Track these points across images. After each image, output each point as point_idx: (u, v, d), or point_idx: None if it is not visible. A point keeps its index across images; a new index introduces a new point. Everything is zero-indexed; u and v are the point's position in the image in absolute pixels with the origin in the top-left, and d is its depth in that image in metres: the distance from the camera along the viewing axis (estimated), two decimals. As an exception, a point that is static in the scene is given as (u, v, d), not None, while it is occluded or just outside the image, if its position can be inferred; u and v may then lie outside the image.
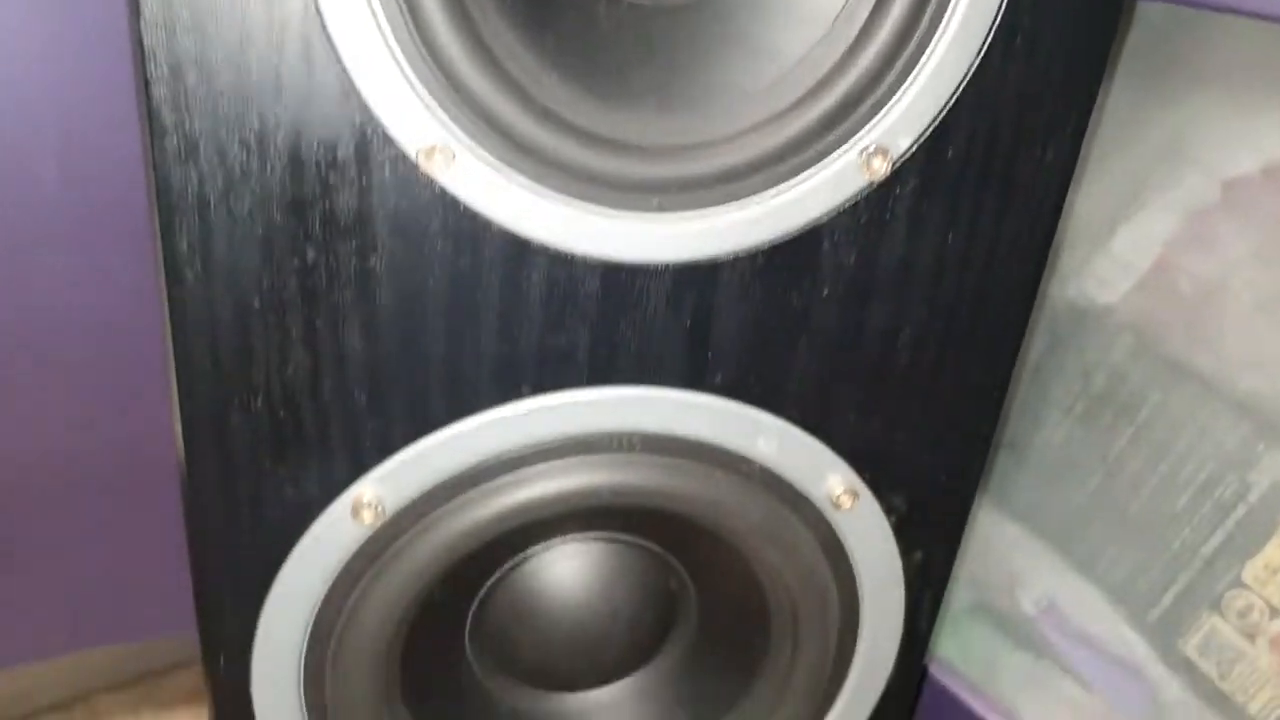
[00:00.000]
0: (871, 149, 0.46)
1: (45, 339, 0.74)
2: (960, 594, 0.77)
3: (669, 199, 0.45)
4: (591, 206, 0.44)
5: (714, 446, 0.52)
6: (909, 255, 0.49)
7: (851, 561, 0.56)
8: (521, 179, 0.43)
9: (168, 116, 0.39)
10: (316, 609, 0.50)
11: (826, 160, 0.46)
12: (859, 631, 0.59)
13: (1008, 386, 0.56)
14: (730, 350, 0.50)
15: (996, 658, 0.75)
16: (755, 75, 0.44)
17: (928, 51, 0.45)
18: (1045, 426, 0.73)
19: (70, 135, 0.68)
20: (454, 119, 0.42)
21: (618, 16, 0.43)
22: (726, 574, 0.57)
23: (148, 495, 0.79)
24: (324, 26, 0.39)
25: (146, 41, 0.38)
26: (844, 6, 0.44)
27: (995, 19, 0.46)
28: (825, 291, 0.49)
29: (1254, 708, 0.64)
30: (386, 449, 0.48)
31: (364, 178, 0.42)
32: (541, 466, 0.50)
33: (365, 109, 0.41)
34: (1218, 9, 0.61)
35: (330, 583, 0.50)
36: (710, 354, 0.50)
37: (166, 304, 0.43)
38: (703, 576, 0.59)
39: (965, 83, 0.46)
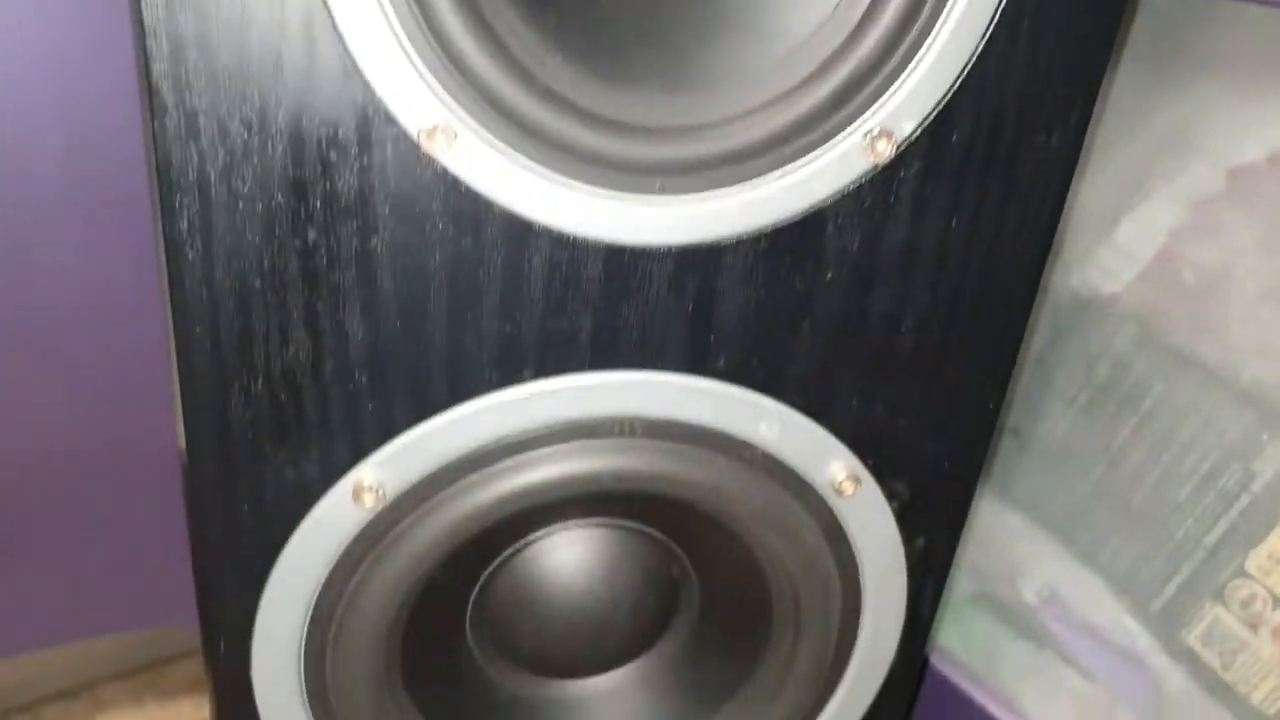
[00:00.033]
0: (876, 132, 0.46)
1: (47, 336, 0.74)
2: (962, 583, 0.77)
3: (672, 181, 0.45)
4: (594, 188, 0.44)
5: (716, 432, 0.52)
6: (913, 239, 0.49)
7: (854, 548, 0.56)
8: (523, 160, 0.43)
9: (168, 94, 0.39)
10: (317, 593, 0.50)
11: (831, 143, 0.46)
12: (861, 618, 0.58)
13: (1011, 373, 0.55)
14: (733, 334, 0.50)
15: (998, 647, 0.75)
16: (760, 56, 0.44)
17: (933, 34, 0.45)
18: (1048, 416, 0.73)
19: (72, 135, 0.68)
20: (456, 98, 0.41)
21: (621, -5, 0.43)
22: (728, 560, 0.57)
23: (151, 485, 0.80)
24: (326, 4, 0.39)
25: (147, 19, 0.38)
26: (849, -12, 0.44)
27: (1001, 2, 0.45)
28: (828, 275, 0.49)
29: (1257, 698, 0.63)
30: (388, 432, 0.48)
31: (365, 157, 0.42)
32: (543, 451, 0.50)
33: (367, 88, 0.41)
34: (1224, -5, 0.61)
35: (331, 567, 0.50)
36: (713, 338, 0.49)
37: (166, 284, 0.43)
38: (704, 563, 0.59)
39: (970, 66, 0.46)
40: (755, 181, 0.46)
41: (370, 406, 0.47)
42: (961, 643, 0.77)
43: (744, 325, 0.50)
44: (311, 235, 0.43)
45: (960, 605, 0.77)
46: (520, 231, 0.45)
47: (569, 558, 0.57)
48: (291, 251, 0.43)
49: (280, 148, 0.41)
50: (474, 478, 0.49)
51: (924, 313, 0.51)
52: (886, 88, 0.45)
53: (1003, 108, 0.47)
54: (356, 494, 0.48)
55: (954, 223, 0.49)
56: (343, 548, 0.49)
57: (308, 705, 0.53)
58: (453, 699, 0.58)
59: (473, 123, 0.42)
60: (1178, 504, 0.66)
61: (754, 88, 0.44)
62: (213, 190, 0.41)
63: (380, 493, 0.48)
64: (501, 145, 0.43)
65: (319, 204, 0.42)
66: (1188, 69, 0.66)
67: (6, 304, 0.72)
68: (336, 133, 0.41)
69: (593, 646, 0.59)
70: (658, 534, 0.57)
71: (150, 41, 0.38)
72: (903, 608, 0.60)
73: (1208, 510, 0.64)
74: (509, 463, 0.49)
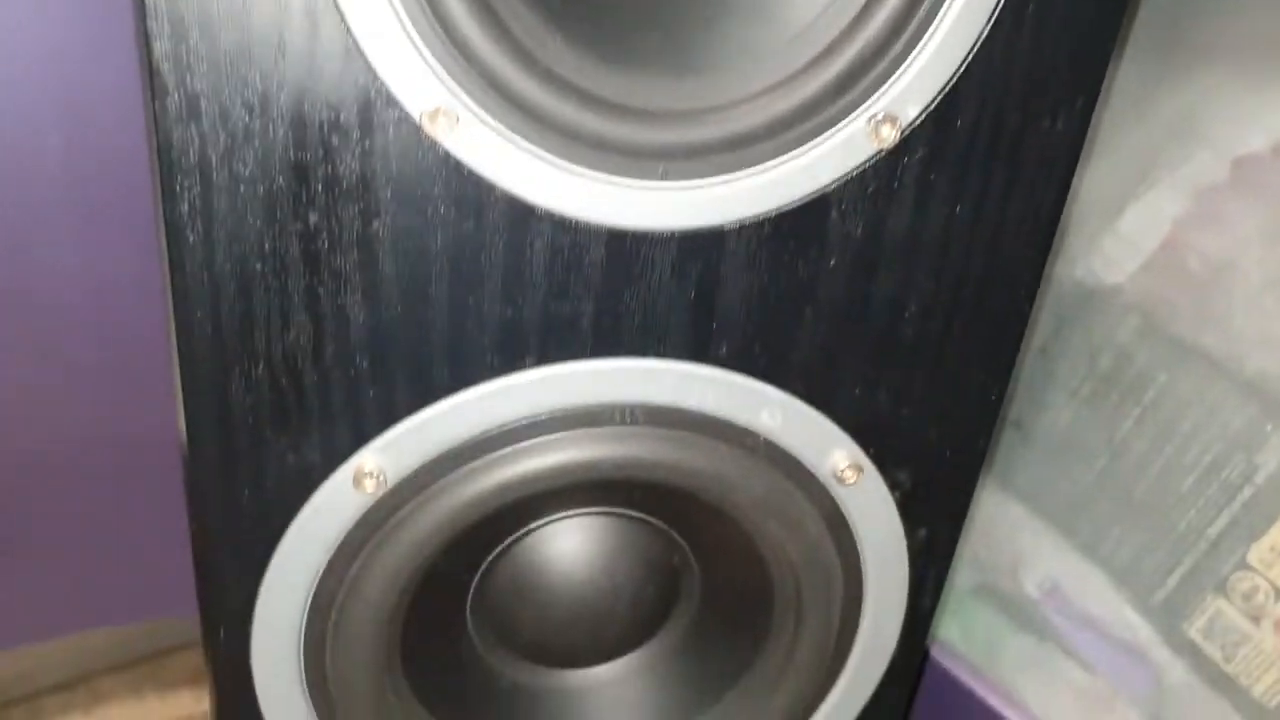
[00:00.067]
0: (880, 116, 0.45)
1: (47, 335, 0.74)
2: (963, 576, 0.77)
3: (675, 165, 0.44)
4: (597, 172, 0.44)
5: (718, 420, 0.51)
6: (916, 226, 0.49)
7: (855, 537, 0.56)
8: (526, 143, 0.43)
9: (169, 75, 0.39)
10: (317, 579, 0.50)
11: (835, 128, 0.45)
12: (862, 608, 0.58)
13: (1014, 362, 0.55)
14: (735, 321, 0.49)
15: (999, 640, 0.75)
16: (764, 40, 0.44)
17: (938, 18, 0.45)
18: (1051, 407, 0.73)
19: (72, 135, 0.68)
20: (458, 81, 0.41)
21: (624, -23, 0.43)
22: (729, 549, 0.56)
23: (149, 479, 0.80)
24: (328, -15, 0.39)
25: (148, -1, 0.38)
26: (854, -29, 0.44)
27: (1006, -13, 0.45)
28: (832, 262, 0.49)
29: (1258, 690, 0.63)
30: (389, 418, 0.48)
31: (367, 140, 0.42)
32: (544, 438, 0.49)
33: (369, 70, 0.40)
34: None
35: (331, 553, 0.49)
36: (715, 325, 0.49)
37: (167, 268, 0.43)
38: (706, 552, 0.58)
39: (975, 51, 0.46)
40: (759, 166, 0.45)
41: (371, 391, 0.47)
42: (962, 635, 0.77)
43: (746, 312, 0.49)
44: (313, 218, 0.43)
45: (961, 597, 0.77)
46: (522, 215, 0.44)
47: (570, 546, 0.56)
48: (293, 235, 0.43)
49: (282, 130, 0.41)
50: (475, 464, 0.49)
51: (927, 300, 0.51)
52: (891, 72, 0.45)
53: (1008, 93, 0.47)
54: (357, 480, 0.48)
55: (958, 209, 0.49)
56: (343, 534, 0.49)
57: (307, 693, 0.53)
58: (453, 687, 0.58)
59: (475, 106, 0.42)
60: (1180, 496, 0.66)
61: (758, 71, 0.44)
62: (214, 173, 0.41)
63: (381, 479, 0.48)
64: (504, 128, 0.42)
65: (320, 187, 0.42)
66: (1192, 58, 0.66)
67: (6, 304, 0.72)
68: (338, 115, 0.41)
69: (594, 635, 0.58)
70: (659, 523, 0.57)
71: (151, 22, 0.38)
72: (904, 598, 0.60)
73: (1210, 502, 0.64)
74: (510, 449, 0.49)
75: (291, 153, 0.41)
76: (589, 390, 0.49)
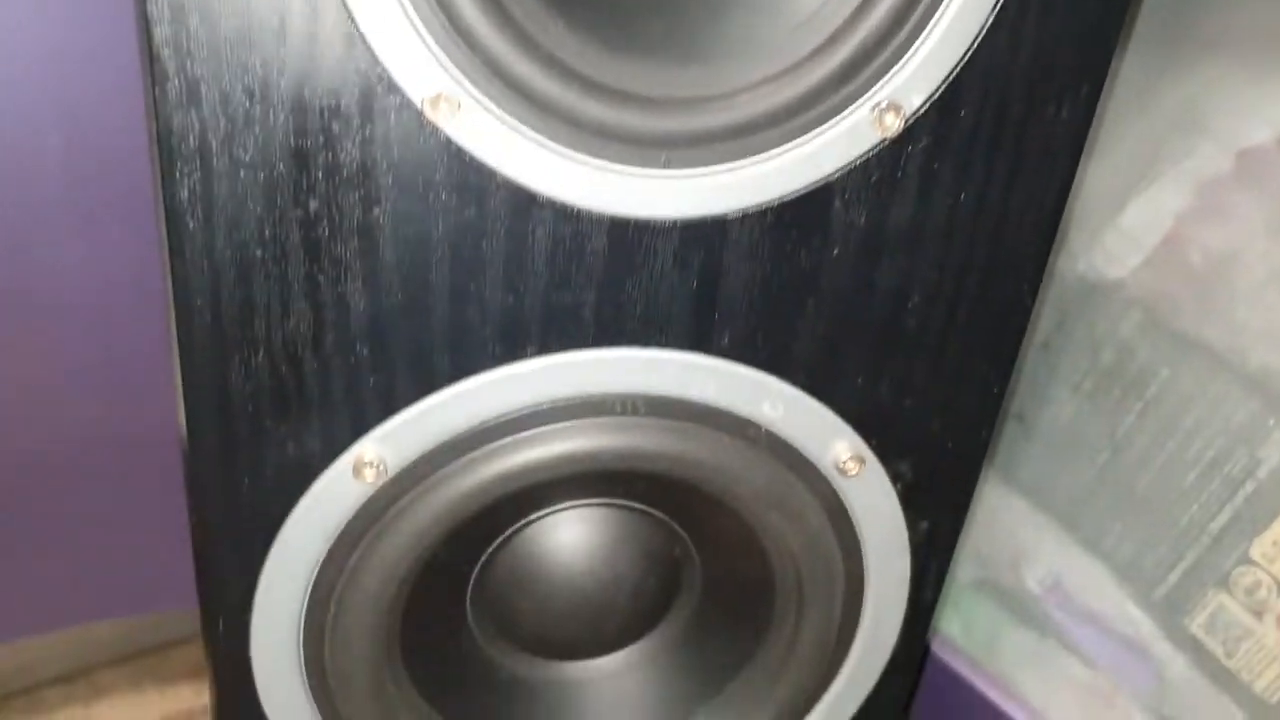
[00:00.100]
0: (884, 105, 0.45)
1: (47, 335, 0.74)
2: (964, 570, 0.77)
3: (678, 153, 0.44)
4: (599, 160, 0.44)
5: (720, 410, 0.51)
6: (920, 216, 0.49)
7: (857, 529, 0.56)
8: (528, 130, 0.43)
9: (169, 60, 0.39)
10: (317, 570, 0.50)
11: (838, 116, 0.45)
12: (864, 600, 0.58)
13: (1017, 354, 0.55)
14: (738, 311, 0.49)
15: (1000, 635, 0.75)
16: (768, 28, 0.44)
17: (942, 6, 0.44)
18: (1053, 402, 0.73)
19: (72, 135, 0.68)
20: (460, 67, 0.41)
21: (627, -36, 0.43)
22: (731, 541, 0.56)
23: (149, 472, 0.79)
24: (329, -30, 0.39)
25: (149, -18, 0.37)
26: (857, -40, 0.44)
27: (1011, -25, 0.45)
28: (835, 251, 0.49)
29: (1260, 685, 0.63)
30: (389, 407, 0.47)
31: (368, 126, 0.41)
32: (545, 428, 0.49)
33: (370, 56, 0.40)
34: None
35: (331, 543, 0.49)
36: (717, 315, 0.49)
37: (167, 254, 0.42)
38: (707, 543, 0.58)
39: (980, 40, 0.46)
40: (763, 155, 0.45)
41: (372, 381, 0.47)
42: (963, 629, 0.77)
43: (749, 302, 0.49)
44: (313, 205, 0.42)
45: (962, 592, 0.77)
46: (524, 203, 0.44)
47: (571, 537, 0.56)
48: (293, 221, 0.43)
49: (282, 116, 0.41)
50: (476, 454, 0.49)
51: (930, 290, 0.51)
52: (895, 61, 0.45)
53: (1012, 81, 0.47)
54: (357, 469, 0.48)
55: (962, 198, 0.49)
56: (343, 524, 0.49)
57: (307, 684, 0.53)
58: (453, 679, 0.58)
59: (476, 92, 0.41)
60: (1182, 490, 0.65)
61: (762, 59, 0.44)
62: (214, 159, 0.41)
63: (381, 468, 0.48)
64: (505, 115, 0.42)
65: (321, 173, 0.42)
66: (1196, 50, 0.66)
67: (6, 304, 0.72)
68: (339, 101, 0.41)
69: (594, 627, 0.58)
70: (660, 514, 0.57)
71: (152, 7, 0.38)
72: (906, 590, 0.60)
73: (1212, 497, 0.64)
74: (511, 439, 0.49)
75: (292, 139, 0.41)
76: (590, 380, 0.49)
